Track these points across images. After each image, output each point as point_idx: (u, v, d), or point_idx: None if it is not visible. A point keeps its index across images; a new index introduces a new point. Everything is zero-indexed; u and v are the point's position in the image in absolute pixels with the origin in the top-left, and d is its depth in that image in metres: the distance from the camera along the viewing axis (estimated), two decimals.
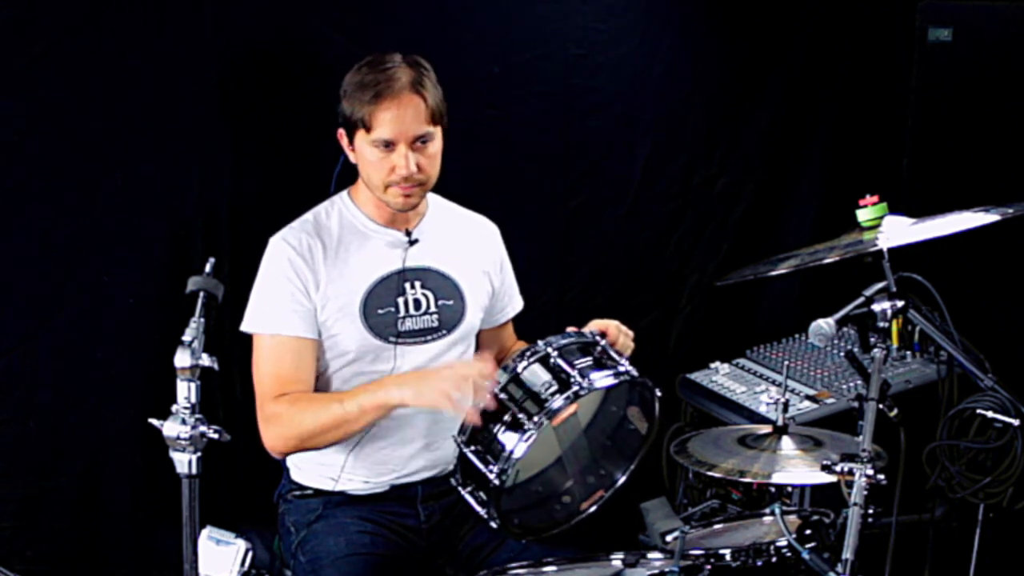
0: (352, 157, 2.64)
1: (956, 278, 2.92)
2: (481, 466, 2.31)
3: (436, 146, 2.60)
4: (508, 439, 2.28)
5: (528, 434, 2.27)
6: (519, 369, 2.33)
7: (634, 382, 2.39)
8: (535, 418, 2.27)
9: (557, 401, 2.28)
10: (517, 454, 2.27)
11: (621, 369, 2.37)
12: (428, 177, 2.61)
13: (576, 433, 2.50)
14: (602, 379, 2.34)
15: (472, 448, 2.33)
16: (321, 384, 2.66)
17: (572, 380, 2.30)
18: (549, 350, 2.35)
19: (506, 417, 2.30)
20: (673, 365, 3.68)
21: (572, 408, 2.33)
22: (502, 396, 2.31)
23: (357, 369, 2.64)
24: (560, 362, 2.33)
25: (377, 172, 2.58)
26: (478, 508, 2.36)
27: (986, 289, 3.60)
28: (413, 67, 2.57)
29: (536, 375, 2.32)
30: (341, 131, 2.63)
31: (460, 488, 2.38)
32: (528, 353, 2.36)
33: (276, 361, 2.58)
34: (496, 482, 2.28)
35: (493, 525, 2.36)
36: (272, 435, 2.55)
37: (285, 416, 2.53)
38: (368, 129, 2.54)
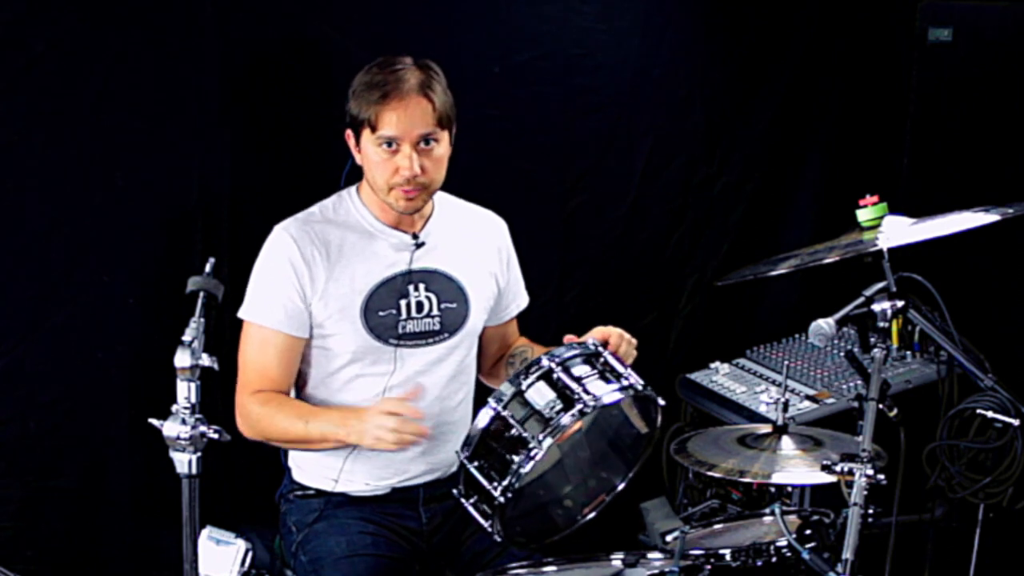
0: (358, 159, 2.63)
1: (956, 278, 2.91)
2: (485, 482, 2.31)
3: (441, 150, 2.59)
4: (513, 457, 2.28)
5: (533, 453, 2.27)
6: (523, 387, 2.33)
7: (638, 395, 2.40)
8: (540, 437, 2.27)
9: (563, 418, 2.28)
10: (523, 472, 2.27)
11: (625, 383, 2.37)
12: (432, 180, 2.59)
13: (577, 438, 2.49)
14: (608, 394, 2.34)
15: (476, 464, 2.33)
16: (322, 384, 2.66)
17: (577, 397, 2.31)
18: (552, 365, 2.35)
19: (511, 434, 2.30)
20: (673, 365, 3.68)
21: (577, 425, 2.33)
22: (506, 413, 2.31)
23: (357, 371, 2.64)
24: (564, 378, 2.33)
25: (381, 173, 2.57)
26: (482, 521, 2.36)
27: (986, 289, 3.60)
28: (423, 70, 2.57)
29: (541, 393, 2.32)
30: (349, 132, 2.62)
31: (463, 500, 2.38)
32: (532, 369, 2.35)
33: (261, 353, 2.61)
34: (501, 500, 2.28)
35: (497, 539, 2.36)
36: (242, 424, 2.64)
37: (254, 415, 2.60)
38: (374, 128, 2.54)
